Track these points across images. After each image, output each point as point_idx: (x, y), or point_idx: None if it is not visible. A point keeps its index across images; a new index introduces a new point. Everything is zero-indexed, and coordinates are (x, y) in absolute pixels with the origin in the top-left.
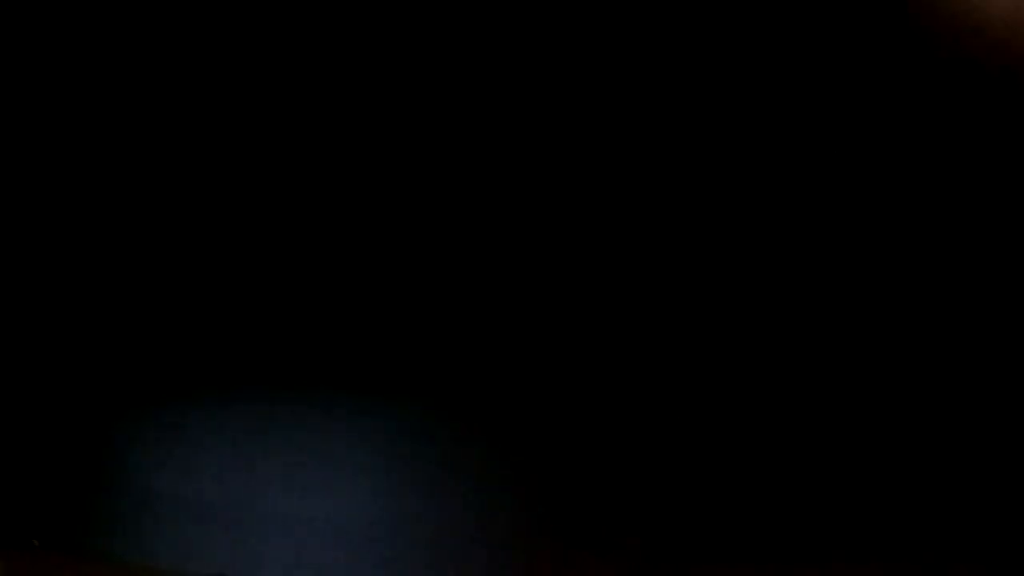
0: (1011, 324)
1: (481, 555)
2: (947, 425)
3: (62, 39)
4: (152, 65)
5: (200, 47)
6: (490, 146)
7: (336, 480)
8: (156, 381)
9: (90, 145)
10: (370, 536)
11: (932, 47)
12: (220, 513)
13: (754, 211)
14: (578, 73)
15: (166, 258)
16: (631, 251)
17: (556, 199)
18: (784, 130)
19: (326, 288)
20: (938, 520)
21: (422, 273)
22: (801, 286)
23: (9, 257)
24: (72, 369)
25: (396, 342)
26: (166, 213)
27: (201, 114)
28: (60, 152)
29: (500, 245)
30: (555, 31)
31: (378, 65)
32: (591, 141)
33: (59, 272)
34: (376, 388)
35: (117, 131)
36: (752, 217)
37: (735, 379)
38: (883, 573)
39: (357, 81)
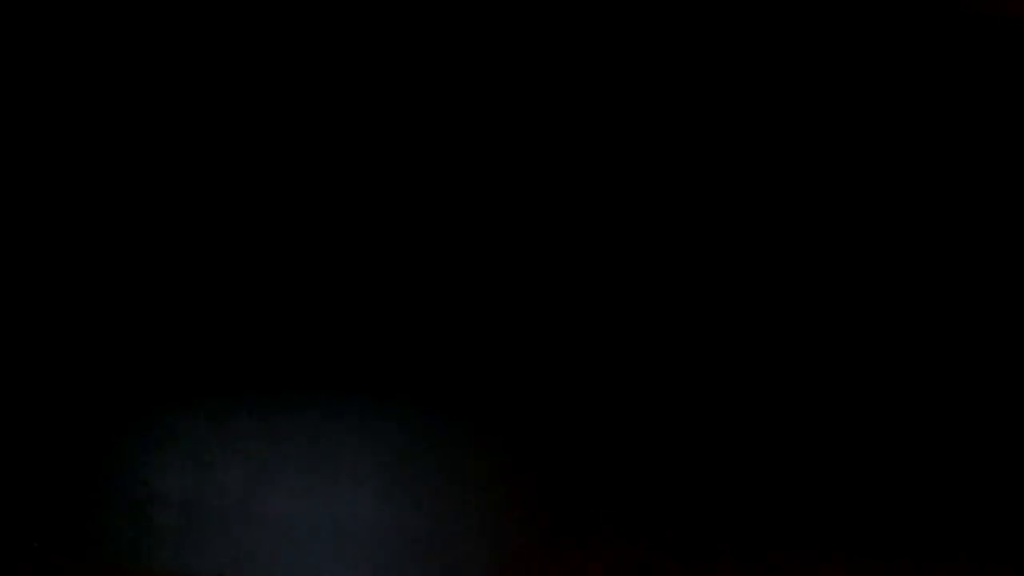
0: (1011, 323)
1: (481, 556)
2: (948, 423)
3: (62, 40)
4: (153, 68)
5: (200, 49)
6: (489, 148)
7: (337, 480)
8: (155, 382)
9: (94, 148)
10: (371, 536)
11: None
12: (220, 513)
13: (754, 207)
14: (577, 74)
15: (167, 262)
16: (629, 247)
17: (551, 197)
18: (783, 129)
19: (323, 290)
20: (938, 517)
21: (417, 274)
22: (800, 282)
23: (9, 259)
24: (71, 370)
25: (395, 343)
26: (162, 215)
27: (201, 116)
28: (65, 156)
29: (492, 246)
30: (554, 32)
31: (378, 66)
32: (591, 142)
33: (58, 274)
34: (376, 389)
35: (118, 132)
36: (752, 213)
37: (735, 377)
38: (884, 569)
39: (358, 84)
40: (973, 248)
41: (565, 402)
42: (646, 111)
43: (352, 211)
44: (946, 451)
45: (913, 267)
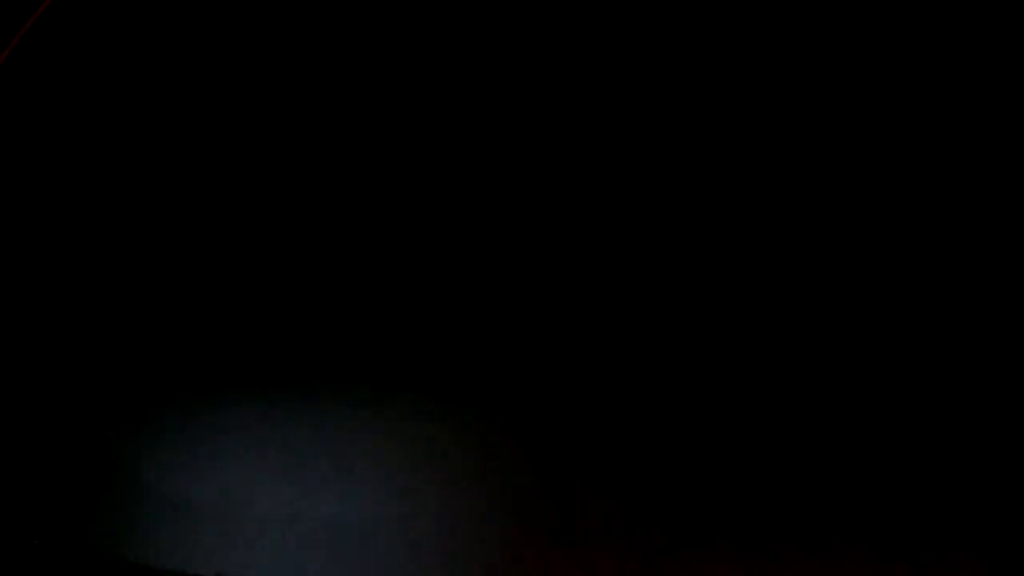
0: (1012, 322)
1: (483, 556)
2: (950, 417)
3: (61, 39)
4: (151, 67)
5: (199, 48)
6: (490, 145)
7: (336, 480)
8: (155, 380)
9: (94, 145)
10: (371, 536)
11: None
12: (220, 513)
13: (754, 205)
14: (577, 73)
15: (167, 259)
16: (633, 241)
17: (548, 192)
18: (783, 129)
19: (322, 288)
20: (938, 511)
21: (415, 275)
22: (799, 279)
23: (10, 257)
24: (71, 368)
25: (396, 343)
26: (160, 212)
27: (208, 113)
28: (64, 153)
29: (489, 246)
30: (553, 31)
31: (378, 66)
32: (593, 141)
33: (59, 272)
34: (374, 387)
35: (117, 130)
36: (752, 210)
37: (734, 372)
38: (886, 565)
39: (359, 82)
40: (973, 247)
41: (563, 399)
42: (648, 109)
43: (353, 207)
44: (949, 445)
45: (914, 266)
